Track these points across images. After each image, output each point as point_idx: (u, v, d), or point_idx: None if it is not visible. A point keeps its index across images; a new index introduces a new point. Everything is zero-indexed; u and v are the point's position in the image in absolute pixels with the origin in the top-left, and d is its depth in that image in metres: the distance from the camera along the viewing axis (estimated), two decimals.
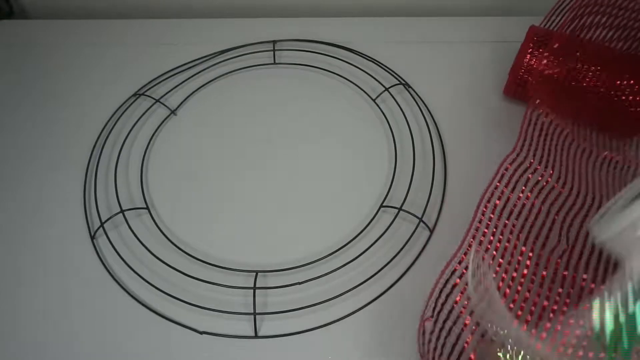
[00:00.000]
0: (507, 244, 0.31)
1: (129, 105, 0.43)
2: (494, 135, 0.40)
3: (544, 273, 0.30)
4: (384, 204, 0.37)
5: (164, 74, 0.46)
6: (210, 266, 0.34)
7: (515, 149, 0.35)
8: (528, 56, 0.40)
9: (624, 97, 0.37)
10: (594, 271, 0.29)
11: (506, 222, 0.32)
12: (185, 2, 0.54)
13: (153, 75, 0.45)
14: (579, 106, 0.39)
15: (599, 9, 0.40)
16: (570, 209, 0.33)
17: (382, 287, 0.33)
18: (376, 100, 0.43)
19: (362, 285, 0.33)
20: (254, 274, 0.33)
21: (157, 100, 0.43)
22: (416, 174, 0.38)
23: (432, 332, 0.28)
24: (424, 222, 0.35)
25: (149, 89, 0.45)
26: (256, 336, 0.31)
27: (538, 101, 0.37)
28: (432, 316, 0.29)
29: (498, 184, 0.33)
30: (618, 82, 0.37)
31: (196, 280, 0.33)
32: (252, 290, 0.32)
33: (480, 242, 0.31)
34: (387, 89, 0.43)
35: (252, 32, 0.48)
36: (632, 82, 0.37)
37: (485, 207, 0.32)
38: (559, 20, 0.42)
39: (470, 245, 0.31)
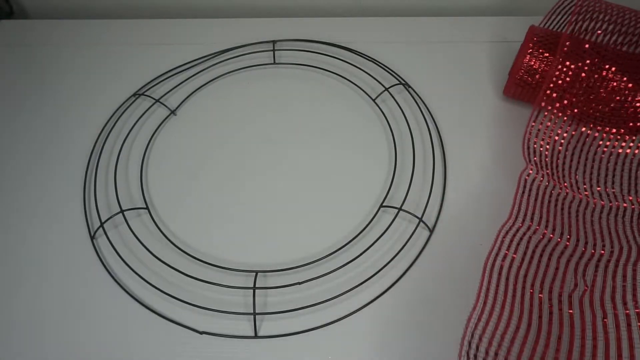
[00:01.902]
0: (522, 297, 0.30)
1: (129, 105, 0.43)
2: (494, 135, 0.40)
3: (570, 311, 0.29)
4: (384, 204, 0.37)
5: (164, 74, 0.46)
6: (210, 266, 0.34)
7: (510, 217, 0.34)
8: (528, 56, 0.40)
9: (624, 98, 0.37)
10: (623, 304, 0.29)
11: (515, 279, 0.31)
12: (185, 2, 0.54)
13: (153, 75, 0.45)
14: (588, 104, 0.38)
15: (599, 11, 0.40)
16: (580, 257, 0.32)
17: (382, 287, 0.33)
18: (376, 100, 0.43)
19: (362, 285, 0.33)
20: (254, 274, 0.33)
21: (157, 100, 0.43)
22: (416, 174, 0.38)
23: None
24: (424, 222, 0.35)
25: (149, 89, 0.44)
26: (256, 336, 0.31)
27: (533, 161, 0.37)
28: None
29: (499, 249, 0.32)
30: (615, 84, 0.37)
31: (196, 280, 0.33)
32: (252, 290, 0.32)
33: (494, 303, 0.31)
34: (387, 89, 0.43)
35: (252, 32, 0.48)
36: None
37: (492, 270, 0.31)
38: (559, 20, 0.42)
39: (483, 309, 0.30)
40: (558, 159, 0.38)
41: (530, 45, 0.40)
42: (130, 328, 0.32)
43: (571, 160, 0.38)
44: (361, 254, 0.34)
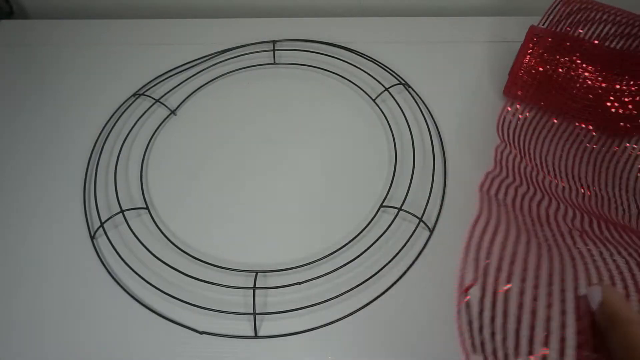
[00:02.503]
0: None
1: (129, 105, 0.43)
2: (493, 135, 0.40)
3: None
4: (384, 204, 0.37)
5: (164, 74, 0.46)
6: (210, 266, 0.34)
7: (495, 167, 0.35)
8: (528, 56, 0.40)
9: (612, 99, 0.38)
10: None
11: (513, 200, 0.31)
12: (185, 2, 0.54)
13: (153, 75, 0.45)
14: (567, 103, 0.39)
15: (593, 9, 0.40)
16: (557, 211, 0.32)
17: (382, 287, 0.33)
18: (376, 100, 0.43)
19: (362, 285, 0.33)
20: (254, 274, 0.33)
21: (157, 100, 0.43)
22: (416, 174, 0.38)
23: (481, 299, 0.23)
24: (424, 222, 0.35)
25: (149, 89, 0.44)
26: (256, 336, 0.31)
27: (506, 139, 0.38)
28: (475, 278, 0.24)
29: (491, 180, 0.33)
30: (617, 86, 0.38)
31: (196, 280, 0.33)
32: (252, 290, 0.32)
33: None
34: (387, 89, 0.43)
35: (252, 32, 0.48)
36: (631, 83, 0.37)
37: (488, 192, 0.31)
38: (557, 20, 0.42)
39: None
40: (530, 142, 0.39)
41: (530, 45, 0.40)
42: (130, 328, 0.32)
43: (542, 146, 0.39)
44: (361, 254, 0.34)
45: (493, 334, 0.22)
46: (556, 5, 0.41)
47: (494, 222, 0.27)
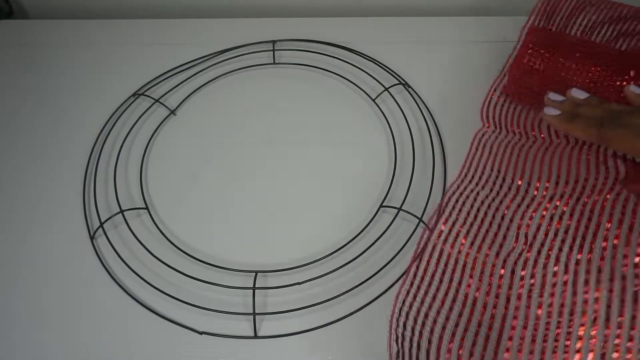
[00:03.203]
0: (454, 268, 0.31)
1: (129, 105, 0.43)
2: None
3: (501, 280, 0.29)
4: (383, 204, 0.37)
5: (164, 74, 0.46)
6: (210, 266, 0.34)
7: (458, 176, 0.35)
8: (527, 57, 0.40)
9: (613, 98, 0.38)
10: None
11: (451, 246, 0.32)
12: (186, 2, 0.54)
13: (153, 75, 0.45)
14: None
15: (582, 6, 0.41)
16: (527, 206, 0.32)
17: (382, 287, 0.33)
18: (376, 100, 0.43)
19: (362, 285, 0.33)
20: (254, 274, 0.33)
21: (157, 100, 0.43)
22: (416, 174, 0.38)
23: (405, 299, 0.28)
24: (424, 222, 0.35)
25: (149, 89, 0.44)
26: (256, 336, 0.31)
27: (492, 119, 0.38)
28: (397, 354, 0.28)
29: (438, 218, 0.33)
30: (618, 84, 0.38)
31: (196, 281, 0.33)
32: (251, 291, 0.32)
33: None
34: (387, 89, 0.43)
35: (252, 32, 0.48)
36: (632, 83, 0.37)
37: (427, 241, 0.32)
38: (545, 17, 0.42)
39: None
40: (520, 115, 0.39)
41: (530, 45, 0.40)
42: (130, 328, 0.32)
43: (534, 116, 0.38)
44: (361, 254, 0.34)
45: None
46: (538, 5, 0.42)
47: (417, 290, 0.30)
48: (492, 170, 0.34)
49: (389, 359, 0.29)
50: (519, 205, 0.32)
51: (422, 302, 0.29)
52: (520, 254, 0.29)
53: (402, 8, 0.54)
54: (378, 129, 0.42)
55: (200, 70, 0.46)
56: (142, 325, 0.32)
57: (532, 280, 0.27)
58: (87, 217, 0.37)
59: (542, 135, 0.37)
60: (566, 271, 0.27)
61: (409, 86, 0.44)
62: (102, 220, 0.36)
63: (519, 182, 0.33)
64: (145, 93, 0.44)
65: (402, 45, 0.48)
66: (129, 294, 0.33)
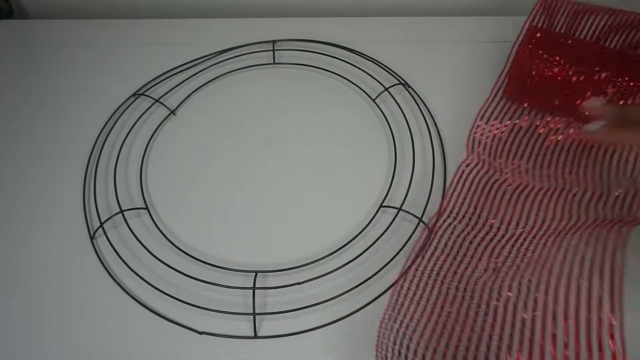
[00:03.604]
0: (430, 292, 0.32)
1: (129, 105, 0.43)
2: None
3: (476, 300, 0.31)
4: (383, 204, 0.37)
5: (164, 74, 0.46)
6: (210, 266, 0.34)
7: (438, 212, 0.36)
8: (526, 57, 0.40)
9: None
10: None
11: (428, 278, 0.33)
12: (186, 2, 0.54)
13: (153, 75, 0.45)
14: (567, 103, 0.39)
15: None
16: (499, 241, 0.34)
17: (382, 287, 0.33)
18: (376, 100, 0.43)
19: (361, 286, 0.33)
20: (254, 274, 0.33)
21: (157, 100, 0.43)
22: (416, 174, 0.38)
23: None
24: (424, 222, 0.35)
25: (149, 89, 0.44)
26: (255, 336, 0.31)
27: (476, 151, 0.39)
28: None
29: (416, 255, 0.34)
30: (617, 85, 0.38)
31: (195, 281, 0.33)
32: (251, 291, 0.32)
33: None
34: (387, 89, 0.43)
35: (252, 32, 0.48)
36: (632, 84, 0.37)
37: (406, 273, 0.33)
38: (543, 17, 0.42)
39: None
40: (504, 147, 0.39)
41: (530, 45, 0.40)
42: (130, 328, 0.32)
43: (517, 147, 0.39)
44: (361, 254, 0.34)
45: None
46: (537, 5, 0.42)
47: (398, 314, 0.31)
48: (469, 206, 0.36)
49: None
50: (490, 240, 0.34)
51: (403, 325, 0.30)
52: (486, 282, 0.32)
53: (402, 8, 0.54)
54: (378, 129, 0.42)
55: (200, 70, 0.46)
56: (142, 325, 0.32)
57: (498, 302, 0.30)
58: (87, 217, 0.37)
59: (525, 167, 0.38)
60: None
61: (409, 86, 0.44)
62: (102, 220, 0.36)
63: (492, 221, 0.35)
64: (145, 93, 0.44)
65: (402, 45, 0.47)
66: (129, 294, 0.33)
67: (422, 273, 0.33)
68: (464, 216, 0.36)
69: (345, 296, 0.32)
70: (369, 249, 0.34)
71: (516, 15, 0.46)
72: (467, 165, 0.38)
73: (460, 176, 0.38)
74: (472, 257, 0.33)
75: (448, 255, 0.33)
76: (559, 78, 0.39)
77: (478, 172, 0.38)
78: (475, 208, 0.36)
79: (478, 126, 0.40)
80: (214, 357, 0.30)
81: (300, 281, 0.33)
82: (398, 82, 0.44)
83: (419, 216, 0.35)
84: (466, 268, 0.33)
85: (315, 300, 0.32)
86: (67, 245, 0.35)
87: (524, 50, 0.40)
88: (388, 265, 0.34)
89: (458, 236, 0.34)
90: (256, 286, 0.32)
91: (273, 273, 0.34)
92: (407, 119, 0.41)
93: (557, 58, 0.39)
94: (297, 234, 0.36)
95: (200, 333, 0.31)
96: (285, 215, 0.37)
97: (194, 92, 0.44)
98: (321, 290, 0.33)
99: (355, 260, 0.34)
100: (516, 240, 0.34)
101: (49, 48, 0.48)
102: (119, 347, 0.31)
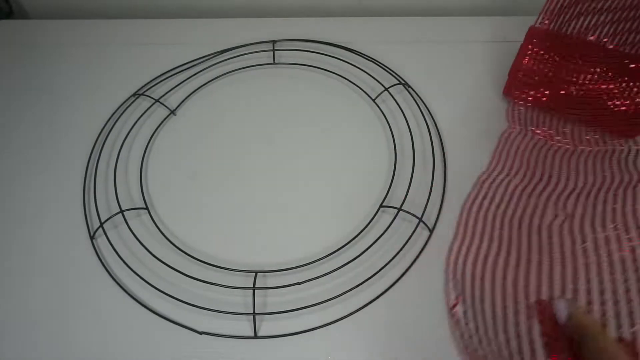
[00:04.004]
0: (500, 229, 0.31)
1: (129, 105, 0.43)
2: (493, 135, 0.40)
3: (550, 239, 0.30)
4: (383, 204, 0.37)
5: (164, 74, 0.46)
6: (210, 266, 0.34)
7: (489, 167, 0.36)
8: (527, 57, 0.40)
9: (609, 101, 0.38)
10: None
11: (494, 216, 0.33)
12: (186, 2, 0.54)
13: (153, 75, 0.45)
14: (567, 104, 0.39)
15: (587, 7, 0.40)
16: (561, 192, 0.34)
17: (382, 287, 0.33)
18: (376, 100, 0.43)
19: (362, 285, 0.33)
20: (254, 274, 0.33)
21: (157, 100, 0.43)
22: (416, 174, 0.38)
23: (465, 312, 0.27)
24: (424, 222, 0.35)
25: (149, 89, 0.44)
26: (255, 336, 0.31)
27: (518, 122, 0.39)
28: (457, 298, 0.29)
29: (478, 192, 0.34)
30: (618, 86, 0.38)
31: (196, 281, 0.33)
32: (251, 291, 0.32)
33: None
34: (387, 89, 0.43)
35: (252, 32, 0.48)
36: (631, 85, 0.37)
37: (470, 209, 0.33)
38: (554, 14, 0.42)
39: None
40: (544, 120, 0.39)
41: (530, 45, 0.40)
42: (130, 328, 0.32)
43: (558, 119, 0.39)
44: (361, 254, 0.34)
45: (480, 341, 0.25)
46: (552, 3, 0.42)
47: (467, 243, 0.31)
48: (521, 165, 0.36)
49: (447, 309, 0.29)
50: (552, 192, 0.33)
51: (476, 254, 0.30)
52: (563, 222, 0.31)
53: (402, 8, 0.54)
54: (378, 129, 0.42)
55: (200, 70, 0.46)
56: (142, 325, 0.32)
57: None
58: (87, 217, 0.37)
59: (565, 141, 0.38)
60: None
61: (409, 86, 0.44)
62: (102, 220, 0.36)
63: (549, 176, 0.34)
64: (145, 93, 0.44)
65: (402, 45, 0.47)
66: (129, 294, 0.33)
67: (486, 214, 0.32)
68: (517, 172, 0.35)
69: (345, 296, 0.32)
70: (369, 249, 0.34)
71: (516, 15, 0.46)
72: (510, 134, 0.38)
73: (505, 142, 0.37)
74: (536, 205, 0.32)
75: (508, 203, 0.33)
76: (559, 78, 0.39)
77: (523, 138, 0.38)
78: (528, 166, 0.35)
79: (515, 101, 0.39)
80: (214, 357, 0.30)
81: (300, 281, 0.33)
82: (398, 82, 0.44)
83: (419, 216, 0.35)
84: (533, 213, 0.32)
85: (315, 300, 0.32)
86: (67, 245, 0.35)
87: (525, 50, 0.40)
88: (388, 265, 0.34)
89: (516, 187, 0.34)
90: (256, 286, 0.32)
91: (273, 273, 0.34)
92: (407, 119, 0.41)
93: (560, 59, 0.39)
94: (297, 234, 0.36)
95: (200, 333, 0.31)
96: (285, 215, 0.37)
97: (194, 92, 0.44)
98: (321, 290, 0.33)
99: (355, 260, 0.34)
100: (579, 194, 0.33)
101: (49, 48, 0.48)
102: (119, 347, 0.31)
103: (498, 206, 0.33)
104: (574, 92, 0.39)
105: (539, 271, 0.28)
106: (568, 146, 0.37)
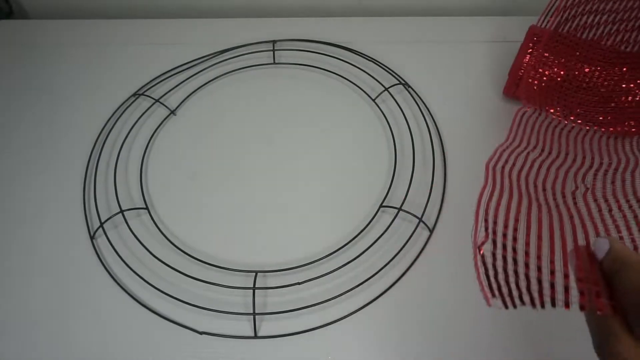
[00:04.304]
0: (527, 188, 0.31)
1: (129, 105, 0.43)
2: (493, 135, 0.40)
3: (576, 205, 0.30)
4: (383, 204, 0.37)
5: (164, 74, 0.46)
6: (210, 266, 0.34)
7: (507, 139, 0.35)
8: (528, 57, 0.40)
9: (623, 98, 0.38)
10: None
11: (518, 177, 0.32)
12: (186, 2, 0.54)
13: (153, 75, 0.45)
14: (575, 104, 0.39)
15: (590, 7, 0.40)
16: (579, 168, 0.34)
17: (382, 287, 0.33)
18: (376, 100, 0.43)
19: (362, 285, 0.33)
20: (254, 274, 0.33)
21: (157, 100, 0.43)
22: (416, 174, 0.38)
23: (493, 252, 0.27)
24: (424, 222, 0.35)
25: (149, 89, 0.44)
26: (256, 336, 0.31)
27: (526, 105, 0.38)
28: (486, 236, 0.28)
29: (499, 157, 0.33)
30: (621, 85, 0.38)
31: (196, 281, 0.33)
32: (251, 291, 0.32)
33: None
34: (387, 89, 0.43)
35: (252, 32, 0.48)
36: (632, 85, 0.37)
37: (494, 169, 0.32)
38: (554, 19, 0.42)
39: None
40: (558, 98, 0.39)
41: (530, 45, 0.40)
42: (130, 328, 0.32)
43: (572, 98, 0.39)
44: (361, 254, 0.34)
45: (507, 279, 0.25)
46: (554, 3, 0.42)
47: (499, 190, 0.30)
48: (537, 142, 0.35)
49: (473, 248, 0.27)
50: (570, 167, 0.33)
51: (507, 206, 0.29)
52: (586, 192, 0.31)
53: (402, 8, 0.54)
54: (378, 129, 0.42)
55: (201, 70, 0.46)
56: (142, 325, 0.32)
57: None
58: (87, 217, 0.37)
59: (579, 122, 0.38)
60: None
61: (409, 86, 0.44)
62: (102, 220, 0.36)
63: (566, 154, 0.35)
64: (145, 93, 0.44)
65: (402, 45, 0.47)
66: (129, 294, 0.33)
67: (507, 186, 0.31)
68: (534, 147, 0.35)
69: (345, 296, 0.32)
70: (369, 249, 0.34)
71: (516, 15, 0.46)
72: (525, 113, 0.38)
73: (521, 119, 0.37)
74: (556, 176, 0.32)
75: (529, 170, 0.32)
76: (559, 79, 0.39)
77: (538, 117, 0.37)
78: (545, 142, 0.35)
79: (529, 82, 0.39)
80: (214, 357, 0.30)
81: (300, 281, 0.33)
82: (398, 82, 0.44)
83: (419, 216, 0.35)
84: (554, 182, 0.32)
85: (315, 300, 0.32)
86: (67, 245, 0.35)
87: (525, 50, 0.40)
88: (388, 266, 0.34)
89: (535, 159, 0.34)
90: (256, 286, 0.32)
91: (273, 273, 0.34)
92: (407, 119, 0.41)
93: (561, 59, 0.39)
94: (297, 234, 0.36)
95: (201, 333, 0.31)
96: (285, 215, 0.37)
97: (194, 92, 0.44)
98: (321, 290, 0.33)
99: (355, 260, 0.34)
100: (597, 171, 0.33)
101: (49, 48, 0.48)
102: (119, 347, 0.31)
103: (520, 171, 0.33)
104: (575, 92, 0.39)
105: (572, 224, 0.28)
106: (581, 127, 0.37)
